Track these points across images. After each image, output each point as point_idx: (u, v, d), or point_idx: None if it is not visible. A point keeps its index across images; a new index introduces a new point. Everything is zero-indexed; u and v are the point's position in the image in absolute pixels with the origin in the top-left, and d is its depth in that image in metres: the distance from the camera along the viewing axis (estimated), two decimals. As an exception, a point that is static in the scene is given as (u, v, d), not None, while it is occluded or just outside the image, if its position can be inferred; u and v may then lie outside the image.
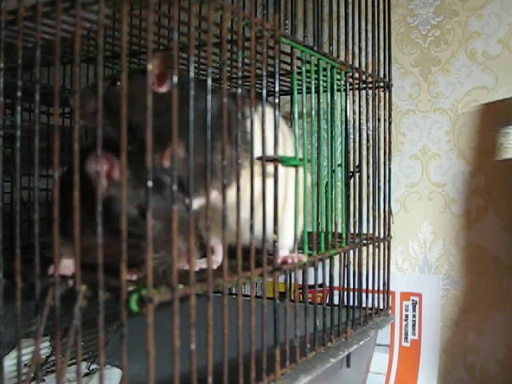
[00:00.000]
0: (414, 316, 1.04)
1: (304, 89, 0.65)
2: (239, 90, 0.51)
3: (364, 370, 0.85)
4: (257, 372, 0.53)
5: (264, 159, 0.55)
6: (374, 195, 0.84)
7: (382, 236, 0.87)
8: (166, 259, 0.50)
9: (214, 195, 0.55)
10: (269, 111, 0.57)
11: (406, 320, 1.05)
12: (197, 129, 0.45)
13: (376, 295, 0.85)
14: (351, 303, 0.77)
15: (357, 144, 0.80)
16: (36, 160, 0.47)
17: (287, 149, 0.65)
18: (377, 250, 0.84)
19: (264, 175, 0.55)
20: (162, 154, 0.54)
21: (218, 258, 0.67)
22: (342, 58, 0.75)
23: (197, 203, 0.56)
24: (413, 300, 1.05)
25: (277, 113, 0.58)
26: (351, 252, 0.77)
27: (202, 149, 0.47)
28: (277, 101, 0.58)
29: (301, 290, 0.84)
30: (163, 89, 0.57)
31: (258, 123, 0.54)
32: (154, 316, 0.41)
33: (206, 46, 0.48)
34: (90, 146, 0.45)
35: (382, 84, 0.88)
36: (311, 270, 0.67)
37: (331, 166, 0.72)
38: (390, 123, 0.90)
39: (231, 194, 0.51)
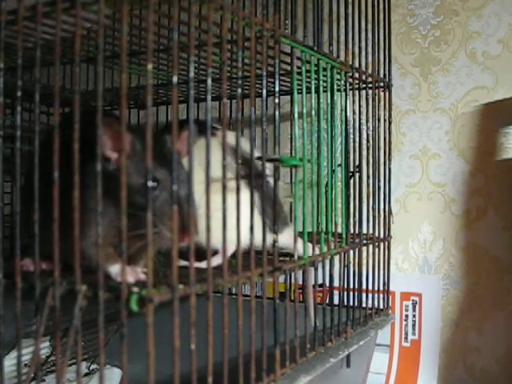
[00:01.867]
0: (414, 316, 1.04)
1: (304, 89, 0.65)
2: (239, 90, 0.51)
3: (364, 370, 0.85)
4: (257, 372, 0.53)
5: (264, 159, 0.55)
6: (374, 195, 0.84)
7: (381, 236, 0.87)
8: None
9: None
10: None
11: (406, 320, 1.05)
12: None
13: (376, 295, 0.85)
14: (351, 303, 0.77)
15: (357, 144, 0.80)
16: (36, 160, 0.47)
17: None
18: (377, 250, 0.84)
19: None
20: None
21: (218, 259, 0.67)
22: (342, 58, 0.75)
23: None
24: (413, 300, 1.04)
25: (277, 113, 0.58)
26: (351, 252, 0.77)
27: None
28: (277, 101, 0.58)
29: (301, 290, 0.84)
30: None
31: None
32: (153, 316, 0.41)
33: (206, 46, 0.48)
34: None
35: (382, 84, 0.88)
36: (311, 270, 0.67)
37: (331, 166, 0.72)
38: (390, 123, 0.90)
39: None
